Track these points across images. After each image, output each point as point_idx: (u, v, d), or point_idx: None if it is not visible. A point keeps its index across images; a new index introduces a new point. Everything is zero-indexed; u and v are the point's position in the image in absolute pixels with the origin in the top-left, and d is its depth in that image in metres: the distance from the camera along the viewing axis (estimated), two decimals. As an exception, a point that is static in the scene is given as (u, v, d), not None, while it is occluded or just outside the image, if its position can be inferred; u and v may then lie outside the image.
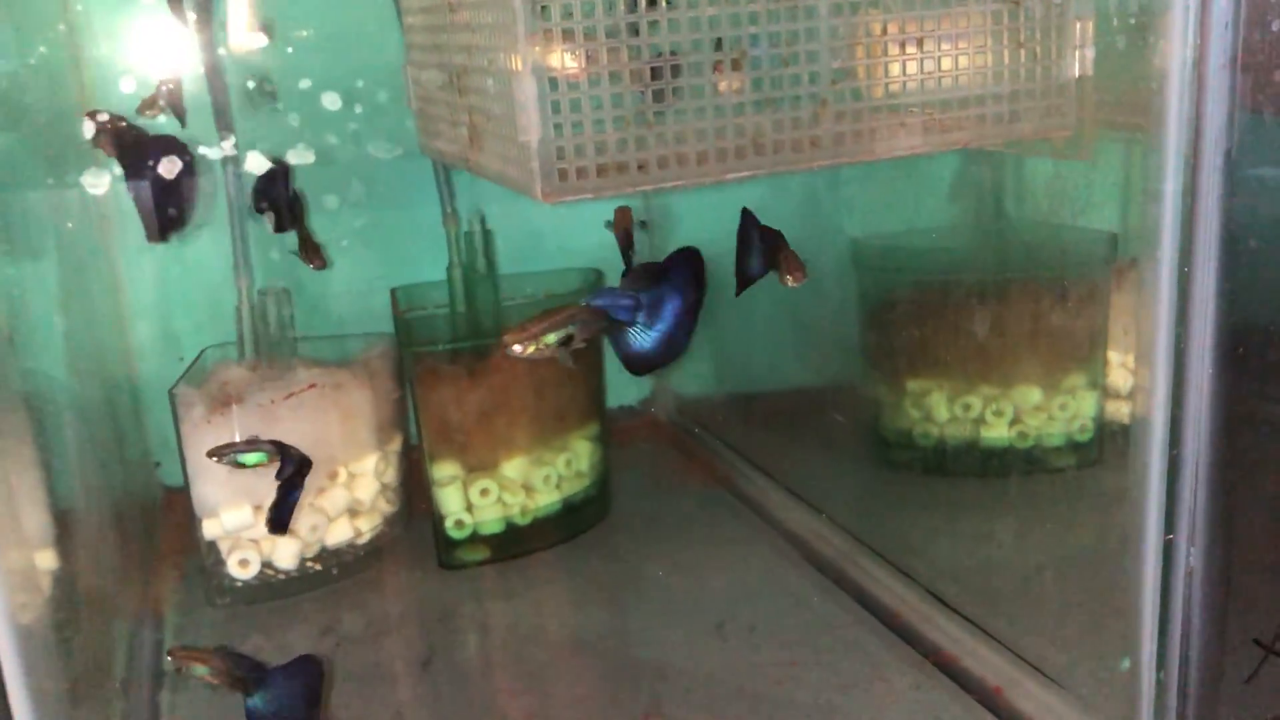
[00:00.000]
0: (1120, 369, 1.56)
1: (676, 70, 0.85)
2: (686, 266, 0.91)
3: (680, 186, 0.86)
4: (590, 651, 1.25)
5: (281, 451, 1.12)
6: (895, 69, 0.92)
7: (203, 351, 1.49)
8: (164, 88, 1.17)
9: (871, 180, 1.68)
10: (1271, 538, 1.00)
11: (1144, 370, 0.87)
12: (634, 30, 0.84)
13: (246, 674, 0.99)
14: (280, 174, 1.27)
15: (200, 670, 0.98)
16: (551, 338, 0.91)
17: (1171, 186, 0.81)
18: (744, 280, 1.08)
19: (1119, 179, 1.53)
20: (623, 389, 1.92)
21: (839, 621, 1.26)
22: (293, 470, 1.19)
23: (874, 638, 1.22)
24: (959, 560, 1.35)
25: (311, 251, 1.33)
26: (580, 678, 1.20)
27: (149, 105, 1.16)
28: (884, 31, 0.90)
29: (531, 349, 0.92)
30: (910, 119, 0.91)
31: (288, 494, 1.19)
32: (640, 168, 0.84)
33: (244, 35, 1.24)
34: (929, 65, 0.92)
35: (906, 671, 1.14)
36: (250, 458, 1.08)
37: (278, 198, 1.24)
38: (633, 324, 0.91)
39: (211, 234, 1.49)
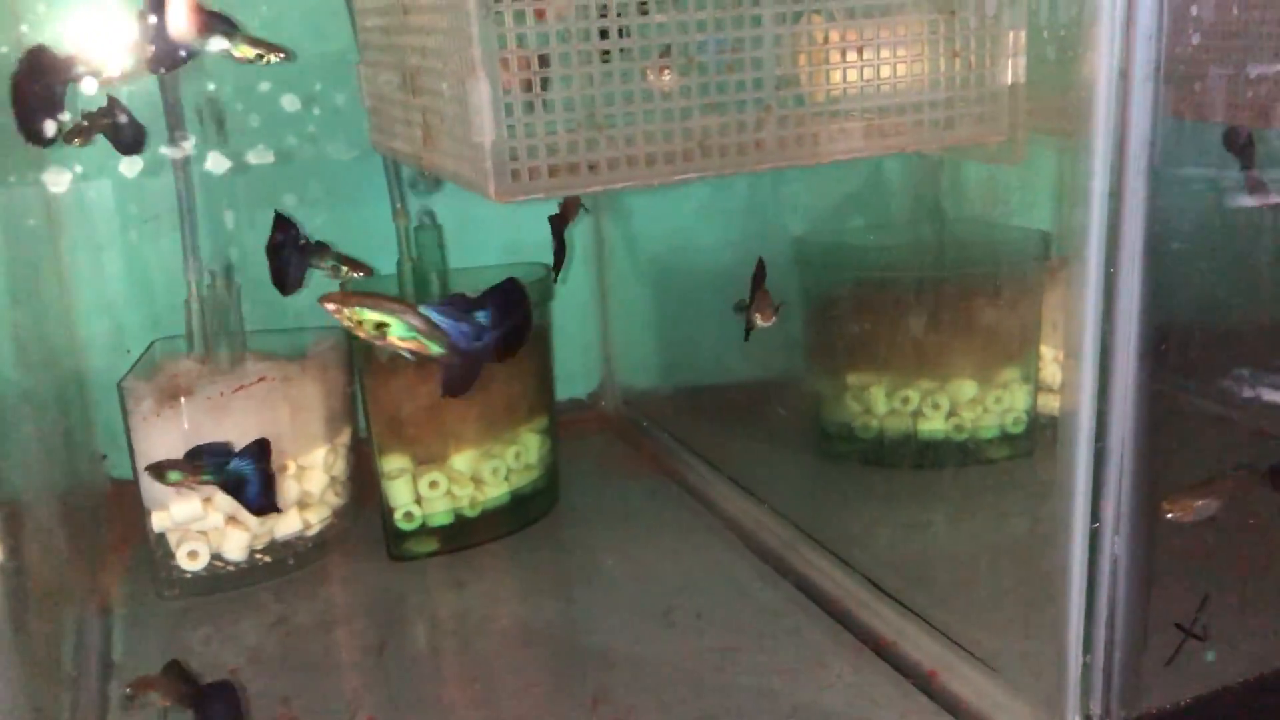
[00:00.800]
0: (1052, 363, 1.62)
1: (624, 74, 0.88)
2: (504, 299, 0.91)
3: (630, 187, 0.89)
4: (538, 640, 1.27)
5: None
6: (836, 76, 0.95)
7: (151, 344, 1.49)
8: (99, 120, 1.17)
9: (814, 180, 1.72)
10: (1190, 527, 1.05)
11: (1071, 365, 0.91)
12: (587, 36, 0.86)
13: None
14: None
15: (154, 696, 1.02)
16: (365, 314, 0.89)
17: (1098, 188, 0.85)
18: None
19: (1051, 179, 1.59)
20: (571, 382, 1.95)
21: (781, 609, 1.29)
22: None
23: (814, 624, 1.25)
24: (896, 549, 1.40)
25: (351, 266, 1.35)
26: (529, 666, 1.22)
27: (76, 134, 1.16)
28: (826, 39, 0.93)
29: (345, 318, 0.90)
30: (851, 124, 0.94)
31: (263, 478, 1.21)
32: (591, 168, 0.86)
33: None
34: (869, 73, 0.95)
35: (846, 657, 1.18)
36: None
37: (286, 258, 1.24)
38: (456, 345, 0.91)
39: (163, 228, 1.50)
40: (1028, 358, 1.58)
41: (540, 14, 0.81)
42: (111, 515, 1.55)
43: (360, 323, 0.90)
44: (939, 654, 1.14)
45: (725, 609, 1.30)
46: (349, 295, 0.91)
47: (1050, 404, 1.61)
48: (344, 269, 1.35)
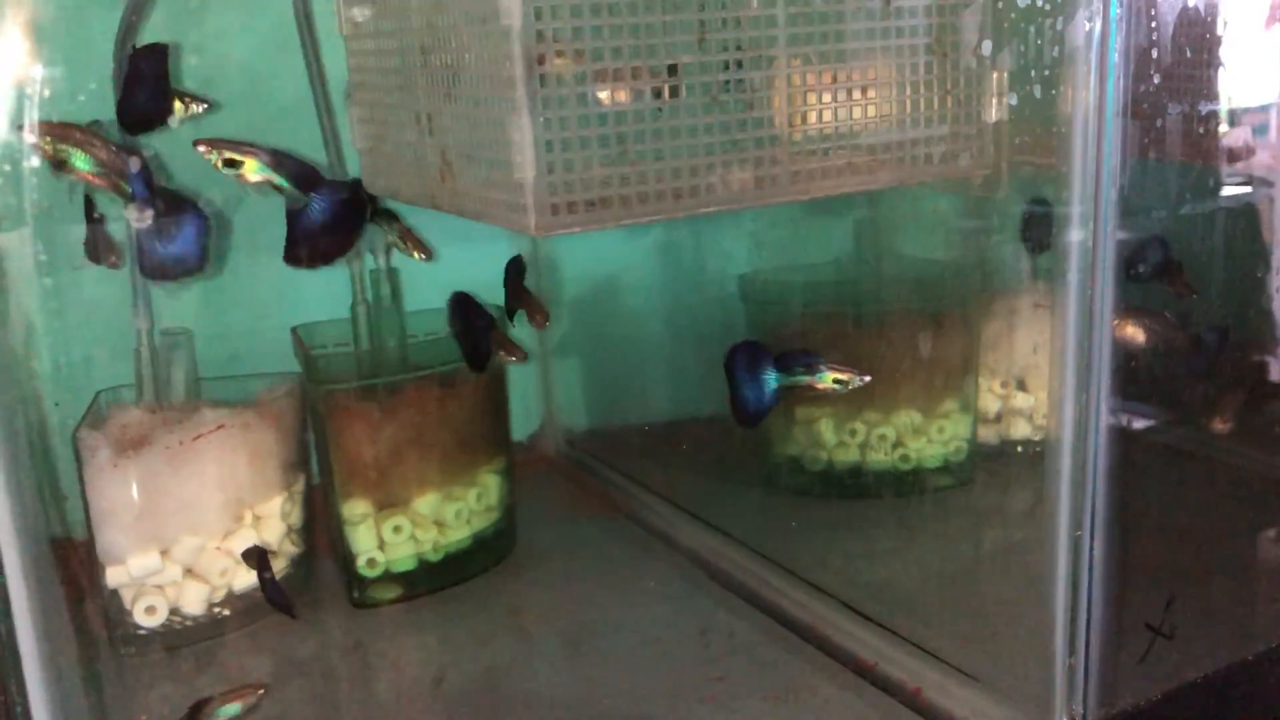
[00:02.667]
0: (988, 394, 1.69)
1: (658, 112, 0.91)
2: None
3: (656, 220, 0.91)
4: (507, 684, 1.27)
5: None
6: (843, 114, 1.00)
7: (97, 395, 1.45)
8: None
9: (760, 220, 1.78)
10: (1157, 532, 1.12)
11: (1055, 385, 0.96)
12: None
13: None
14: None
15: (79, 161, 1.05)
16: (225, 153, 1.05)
17: (1078, 213, 0.91)
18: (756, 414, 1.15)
19: (982, 218, 1.67)
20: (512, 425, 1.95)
21: (753, 639, 1.31)
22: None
23: (791, 653, 1.28)
24: (866, 577, 1.43)
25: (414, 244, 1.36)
26: (501, 713, 1.21)
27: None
28: (835, 80, 0.98)
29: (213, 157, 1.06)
30: (856, 159, 0.99)
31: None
32: (623, 202, 0.89)
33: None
34: (872, 110, 1.00)
35: (818, 682, 1.20)
36: None
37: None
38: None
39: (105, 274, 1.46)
40: (966, 388, 1.64)
41: (580, 57, 0.84)
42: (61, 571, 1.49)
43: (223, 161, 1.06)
44: (919, 671, 1.18)
45: (693, 642, 1.31)
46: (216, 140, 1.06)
47: (988, 433, 1.68)
48: None
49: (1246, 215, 1.15)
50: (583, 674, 1.26)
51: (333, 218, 1.15)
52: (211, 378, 1.50)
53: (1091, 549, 1.02)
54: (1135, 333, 1.05)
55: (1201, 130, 1.02)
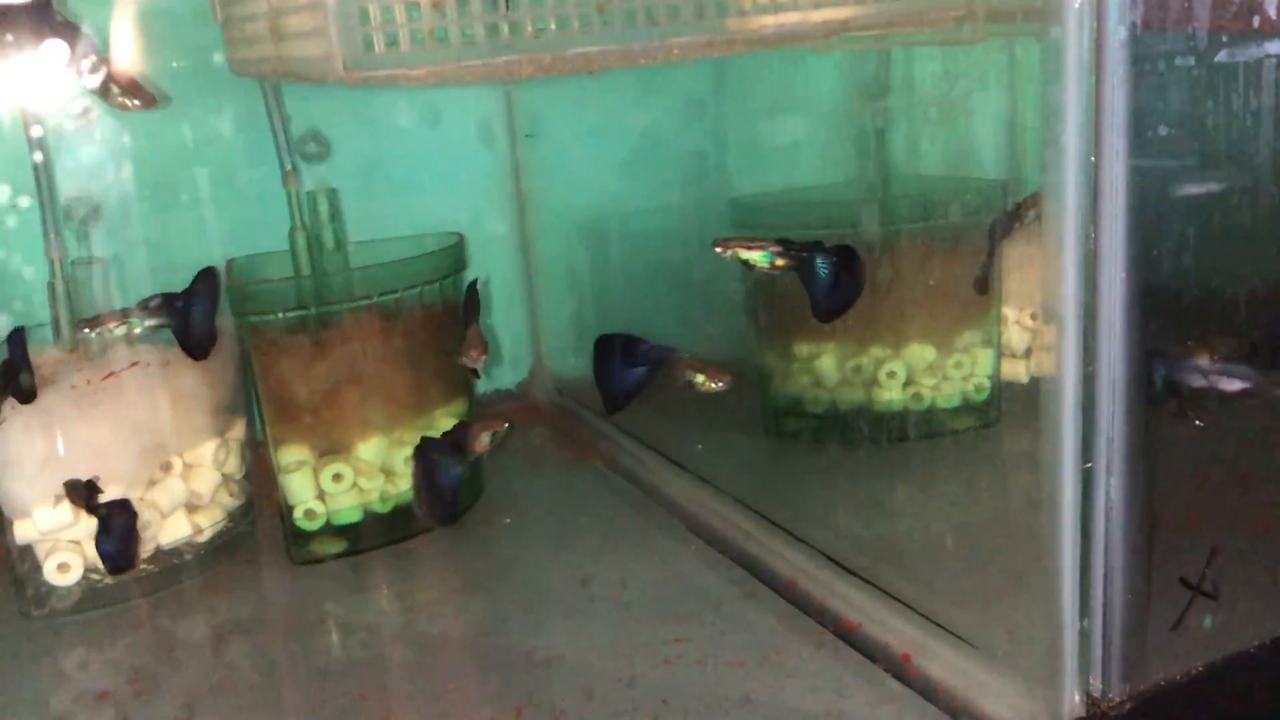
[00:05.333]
0: (1015, 326, 1.49)
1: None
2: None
3: (499, 69, 0.74)
4: (461, 645, 1.12)
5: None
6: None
7: (10, 334, 1.32)
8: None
9: (751, 139, 1.60)
10: (1194, 467, 0.92)
11: (1057, 277, 0.78)
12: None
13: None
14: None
15: None
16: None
17: (1074, 61, 0.72)
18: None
19: (1004, 124, 1.47)
20: (498, 373, 1.81)
21: (728, 594, 1.15)
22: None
23: (769, 609, 1.11)
24: (862, 529, 1.26)
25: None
26: (450, 674, 1.06)
27: None
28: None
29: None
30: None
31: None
32: (439, 42, 0.71)
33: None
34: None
35: (791, 645, 1.03)
36: None
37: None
38: None
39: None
40: (989, 319, 1.45)
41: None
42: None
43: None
44: (911, 634, 1.00)
45: (666, 597, 1.15)
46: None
47: (1015, 370, 1.49)
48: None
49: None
50: (530, 634, 1.10)
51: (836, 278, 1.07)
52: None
53: (1109, 487, 0.83)
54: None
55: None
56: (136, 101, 1.05)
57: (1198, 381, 1.07)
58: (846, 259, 1.04)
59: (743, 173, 1.62)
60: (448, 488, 1.21)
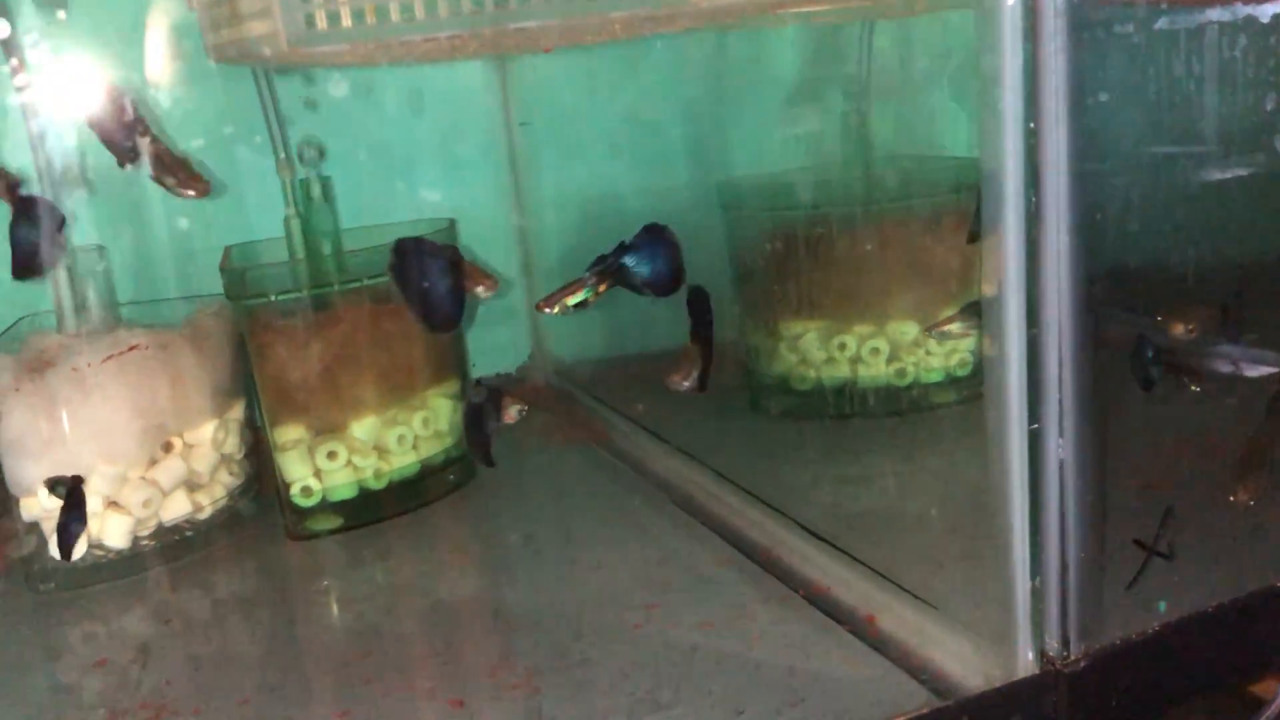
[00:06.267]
0: (999, 302, 1.51)
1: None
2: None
3: (447, 47, 0.76)
4: (454, 619, 1.15)
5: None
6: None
7: (19, 320, 1.37)
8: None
9: (743, 125, 1.62)
10: (1146, 425, 0.93)
11: (996, 239, 0.80)
12: None
13: None
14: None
15: None
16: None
17: (1010, 28, 0.74)
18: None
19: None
20: (499, 355, 1.84)
21: (709, 562, 1.17)
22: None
23: (745, 577, 1.14)
24: (839, 500, 1.28)
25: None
26: (445, 647, 1.09)
27: None
28: None
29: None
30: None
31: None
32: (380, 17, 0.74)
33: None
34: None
35: (760, 609, 1.06)
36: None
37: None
38: None
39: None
40: (970, 295, 1.47)
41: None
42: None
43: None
44: (877, 597, 1.02)
45: (650, 568, 1.18)
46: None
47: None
48: None
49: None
50: (511, 600, 1.13)
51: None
52: (139, 301, 1.41)
53: (1059, 449, 0.86)
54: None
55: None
56: (191, 192, 1.05)
57: (1191, 355, 1.09)
58: (655, 237, 1.03)
59: (731, 154, 1.65)
60: (489, 435, 1.24)
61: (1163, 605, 0.96)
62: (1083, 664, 0.90)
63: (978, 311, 1.16)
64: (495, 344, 1.82)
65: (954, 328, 1.21)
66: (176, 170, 1.02)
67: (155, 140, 1.01)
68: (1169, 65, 0.84)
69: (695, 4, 0.80)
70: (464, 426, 1.29)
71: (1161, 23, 0.82)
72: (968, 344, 1.46)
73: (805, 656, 0.97)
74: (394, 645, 1.09)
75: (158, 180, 1.02)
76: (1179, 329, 1.08)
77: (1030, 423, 0.84)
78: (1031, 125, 0.77)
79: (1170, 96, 0.87)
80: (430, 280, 1.06)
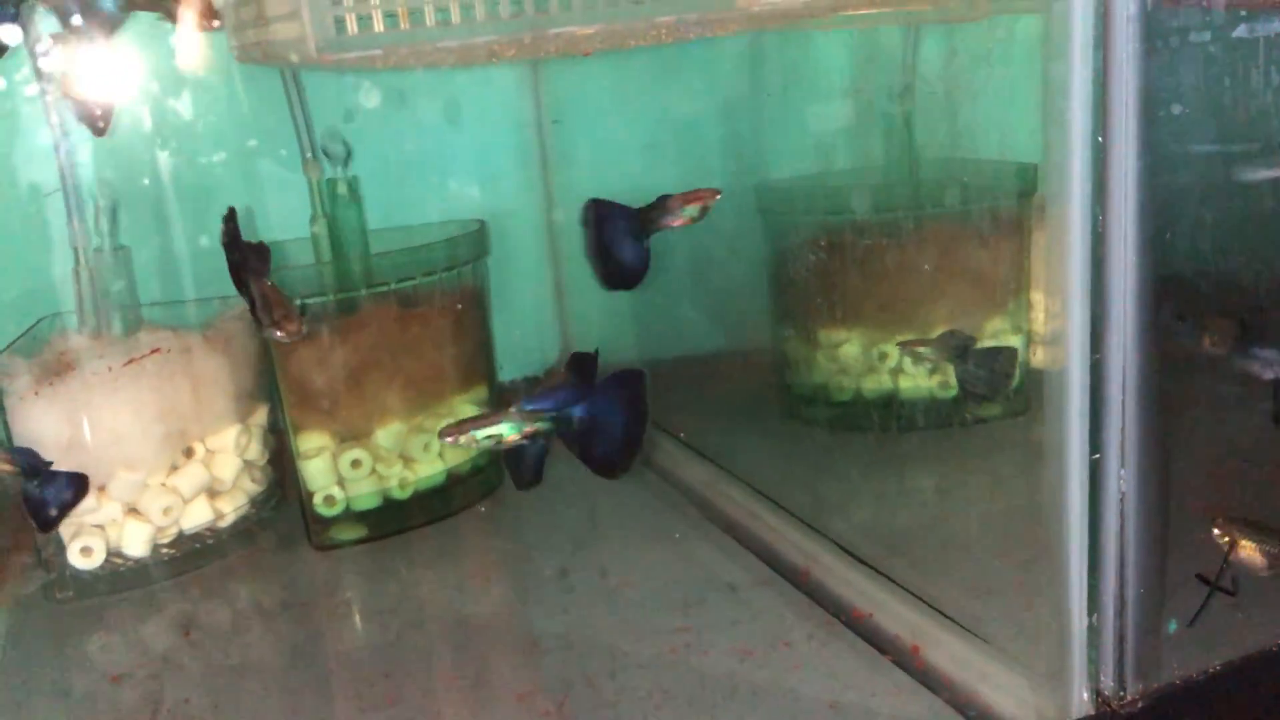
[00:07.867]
0: (1046, 313, 1.46)
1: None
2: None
3: (484, 51, 0.73)
4: (480, 638, 1.11)
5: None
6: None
7: (38, 321, 1.34)
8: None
9: (786, 126, 1.58)
10: (1212, 457, 0.89)
11: (1059, 258, 0.75)
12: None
13: None
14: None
15: None
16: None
17: (1080, 36, 0.70)
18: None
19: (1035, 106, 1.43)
20: (526, 358, 1.80)
21: (742, 581, 1.13)
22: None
23: (780, 598, 1.09)
24: (879, 519, 1.24)
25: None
26: (468, 663, 1.06)
27: None
28: None
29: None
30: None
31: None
32: (412, 23, 0.70)
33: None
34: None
35: (798, 636, 1.02)
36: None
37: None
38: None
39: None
40: (1018, 306, 1.42)
41: None
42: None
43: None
44: (921, 625, 0.98)
45: (683, 587, 1.14)
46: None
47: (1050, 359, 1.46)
48: None
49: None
50: (539, 621, 1.10)
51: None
52: (161, 303, 1.38)
53: (1120, 480, 0.81)
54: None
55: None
56: (281, 334, 1.00)
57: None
58: (621, 387, 0.92)
59: (769, 157, 1.60)
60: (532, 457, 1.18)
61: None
62: (1140, 704, 0.86)
63: (950, 344, 1.13)
64: (524, 346, 1.78)
65: (924, 351, 1.24)
66: (275, 308, 0.98)
67: (264, 283, 0.96)
68: (1247, 76, 0.79)
69: (744, 9, 0.75)
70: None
71: (1241, 30, 0.77)
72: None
73: (847, 689, 0.92)
74: (418, 664, 1.06)
75: (254, 316, 0.98)
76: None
77: (1091, 453, 0.79)
78: (1100, 138, 0.72)
79: (1248, 108, 0.82)
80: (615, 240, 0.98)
